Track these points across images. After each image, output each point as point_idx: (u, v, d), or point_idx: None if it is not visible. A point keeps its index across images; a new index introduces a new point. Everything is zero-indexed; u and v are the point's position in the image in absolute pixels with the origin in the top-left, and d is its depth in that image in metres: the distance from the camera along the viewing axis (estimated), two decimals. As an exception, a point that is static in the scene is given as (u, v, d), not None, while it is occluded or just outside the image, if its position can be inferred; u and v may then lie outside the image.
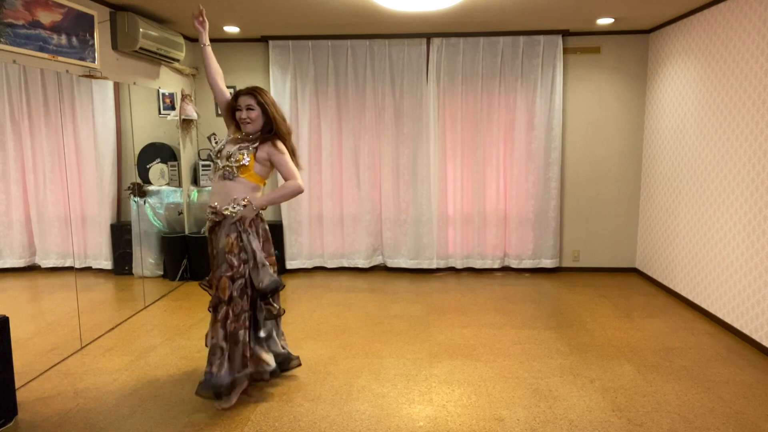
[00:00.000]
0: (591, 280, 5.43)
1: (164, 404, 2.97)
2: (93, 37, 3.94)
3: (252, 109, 2.84)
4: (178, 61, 4.98)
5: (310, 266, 5.79)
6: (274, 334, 3.14)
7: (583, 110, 5.51)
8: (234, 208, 2.80)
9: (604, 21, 4.86)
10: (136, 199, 4.61)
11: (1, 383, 2.70)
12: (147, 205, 4.83)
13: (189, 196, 5.48)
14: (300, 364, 3.32)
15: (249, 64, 5.59)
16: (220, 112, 3.06)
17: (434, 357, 3.57)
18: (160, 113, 5.03)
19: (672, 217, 4.87)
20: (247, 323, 2.90)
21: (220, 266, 2.82)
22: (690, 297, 4.55)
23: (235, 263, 2.82)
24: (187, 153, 5.45)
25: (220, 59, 5.62)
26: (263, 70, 5.59)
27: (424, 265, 5.67)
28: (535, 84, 5.39)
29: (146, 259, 4.83)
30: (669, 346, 3.74)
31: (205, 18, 3.04)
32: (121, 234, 4.42)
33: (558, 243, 5.63)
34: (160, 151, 4.97)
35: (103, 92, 4.16)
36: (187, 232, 5.39)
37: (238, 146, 2.85)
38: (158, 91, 4.95)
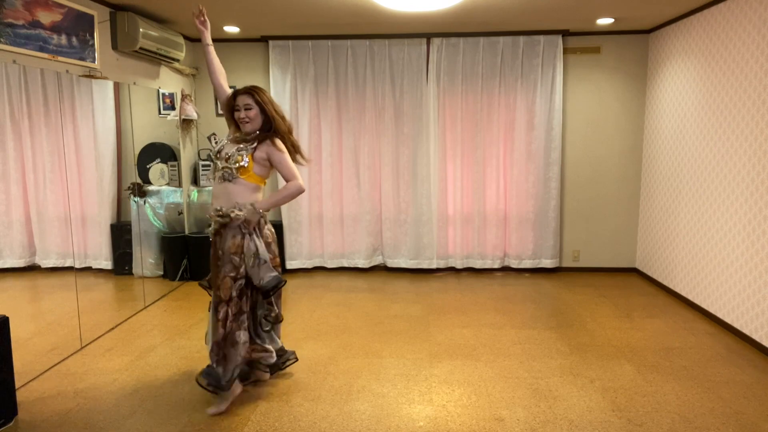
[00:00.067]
0: (591, 280, 5.43)
1: (164, 404, 2.97)
2: (93, 37, 3.94)
3: (250, 109, 2.84)
4: (178, 61, 4.98)
5: (310, 266, 5.79)
6: (273, 332, 3.14)
7: (583, 110, 5.51)
8: (240, 210, 2.81)
9: (604, 21, 4.86)
10: (136, 199, 4.62)
11: (1, 383, 2.70)
12: (147, 205, 4.83)
13: (189, 196, 5.48)
14: (297, 359, 3.33)
15: (249, 64, 5.59)
16: (221, 111, 3.06)
17: (434, 357, 3.57)
18: (160, 113, 5.03)
19: (672, 217, 4.87)
20: (245, 324, 2.91)
21: (224, 267, 2.82)
22: (690, 297, 4.55)
23: (238, 264, 2.83)
24: (187, 153, 5.45)
25: (220, 59, 5.62)
26: (263, 70, 5.59)
27: (424, 265, 5.67)
28: (535, 84, 5.39)
29: (146, 259, 4.83)
30: (669, 346, 3.74)
31: (207, 18, 3.02)
32: (121, 234, 4.42)
33: (558, 243, 5.63)
34: (160, 151, 4.97)
35: (103, 92, 4.16)
36: (187, 232, 5.39)
37: (236, 147, 2.85)
38: (158, 91, 4.96)
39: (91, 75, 3.92)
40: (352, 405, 2.96)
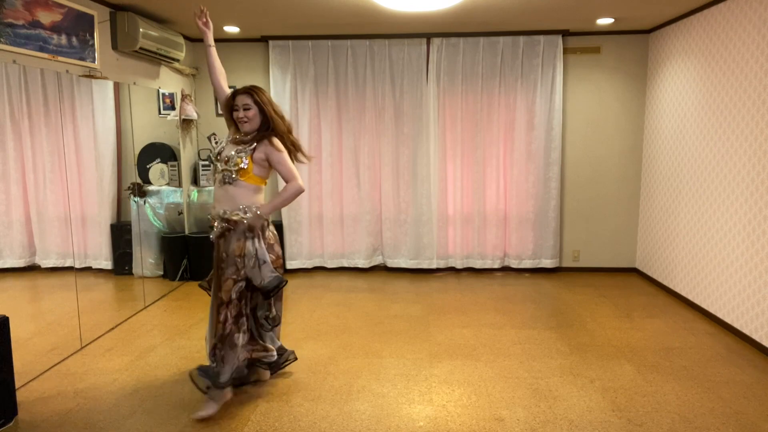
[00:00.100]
0: (591, 280, 5.43)
1: (164, 404, 2.97)
2: (93, 37, 3.94)
3: (248, 109, 2.84)
4: (178, 61, 4.98)
5: (310, 266, 5.79)
6: (272, 332, 3.15)
7: (583, 110, 5.51)
8: (246, 214, 2.82)
9: (604, 21, 4.86)
10: (136, 199, 4.62)
11: (1, 383, 2.70)
12: (147, 205, 4.83)
13: (189, 196, 5.48)
14: (296, 359, 3.33)
15: (249, 64, 5.59)
16: (221, 111, 3.06)
17: (434, 357, 3.57)
18: (160, 113, 5.03)
19: (672, 217, 4.87)
20: (245, 326, 2.89)
21: (227, 269, 2.83)
22: (690, 297, 4.55)
23: (240, 266, 2.83)
24: (187, 153, 5.45)
25: (221, 59, 5.61)
26: (263, 70, 5.59)
27: (424, 265, 5.67)
28: (535, 84, 5.39)
29: (146, 259, 4.83)
30: (669, 346, 3.74)
31: (209, 18, 3.02)
32: (121, 234, 4.42)
33: (558, 243, 5.63)
34: (160, 151, 4.97)
35: (103, 92, 4.16)
36: (187, 232, 5.39)
37: (235, 149, 2.84)
38: (158, 91, 4.96)
39: (91, 75, 3.92)
40: (352, 405, 2.96)
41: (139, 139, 4.62)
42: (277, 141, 2.84)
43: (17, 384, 2.99)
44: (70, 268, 3.72)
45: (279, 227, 5.60)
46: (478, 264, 5.70)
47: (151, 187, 4.84)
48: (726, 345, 3.75)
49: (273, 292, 2.90)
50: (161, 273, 5.14)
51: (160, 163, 4.94)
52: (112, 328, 4.10)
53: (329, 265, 5.78)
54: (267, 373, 3.19)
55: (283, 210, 5.62)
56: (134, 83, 4.55)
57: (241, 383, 3.08)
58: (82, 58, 3.81)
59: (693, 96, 4.51)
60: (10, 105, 3.27)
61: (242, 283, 2.84)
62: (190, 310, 4.52)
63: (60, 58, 3.57)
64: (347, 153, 5.59)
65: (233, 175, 2.81)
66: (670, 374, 3.30)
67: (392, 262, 5.74)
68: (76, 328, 3.73)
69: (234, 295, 2.83)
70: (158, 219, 5.01)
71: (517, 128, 5.47)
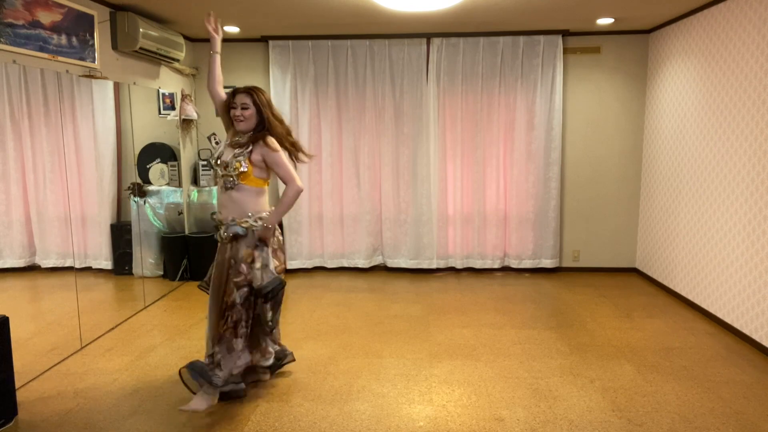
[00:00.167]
0: (591, 280, 5.43)
1: (164, 404, 2.97)
2: (93, 37, 3.94)
3: (246, 108, 2.84)
4: (178, 61, 4.98)
5: (310, 266, 5.79)
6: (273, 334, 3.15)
7: (583, 110, 5.51)
8: (256, 222, 2.84)
9: (604, 21, 4.86)
10: (136, 199, 4.62)
11: (1, 383, 2.70)
12: (147, 205, 4.83)
13: (189, 196, 5.48)
14: (294, 360, 3.33)
15: (249, 64, 5.59)
16: (219, 115, 3.05)
17: (434, 357, 3.57)
18: (160, 113, 5.03)
19: (672, 217, 4.87)
20: (243, 331, 2.87)
21: (234, 274, 2.83)
22: (690, 297, 4.55)
23: (245, 271, 2.83)
24: (187, 153, 5.45)
25: (221, 59, 5.62)
26: (263, 70, 5.59)
27: (424, 265, 5.67)
28: (535, 84, 5.39)
29: (146, 259, 4.83)
30: (669, 346, 3.74)
31: (219, 26, 2.99)
32: (121, 234, 4.42)
33: (558, 243, 5.63)
34: (160, 151, 4.97)
35: (103, 92, 4.16)
36: (187, 232, 5.39)
37: (233, 153, 2.84)
38: (158, 91, 4.96)
39: (91, 75, 3.92)
40: (352, 405, 2.96)
41: (139, 139, 4.62)
42: (271, 140, 2.83)
43: (17, 384, 2.99)
44: (70, 268, 3.72)
45: (279, 227, 5.59)
46: (478, 264, 5.70)
47: (151, 187, 4.84)
48: (726, 345, 3.75)
49: (271, 294, 2.89)
50: (161, 273, 5.14)
51: (160, 163, 4.94)
52: (112, 328, 4.10)
53: (329, 265, 5.78)
54: (267, 375, 3.19)
55: (283, 210, 5.61)
56: (134, 83, 4.55)
57: (235, 397, 2.99)
58: (82, 58, 3.81)
59: (693, 96, 4.51)
60: (10, 105, 3.27)
61: (246, 289, 2.84)
62: (190, 310, 4.52)
63: (60, 58, 3.57)
64: (347, 153, 5.59)
65: (235, 180, 2.81)
66: (670, 374, 3.30)
67: (392, 262, 5.74)
68: (76, 328, 3.73)
69: (238, 300, 2.82)
70: (158, 219, 5.01)
71: (517, 128, 5.47)
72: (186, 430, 2.71)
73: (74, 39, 3.73)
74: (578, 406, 2.93)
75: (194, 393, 2.82)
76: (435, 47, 5.39)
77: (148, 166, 4.81)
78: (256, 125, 2.88)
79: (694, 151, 4.48)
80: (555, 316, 4.34)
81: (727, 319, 4.01)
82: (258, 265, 2.84)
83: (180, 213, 5.32)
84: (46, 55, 3.44)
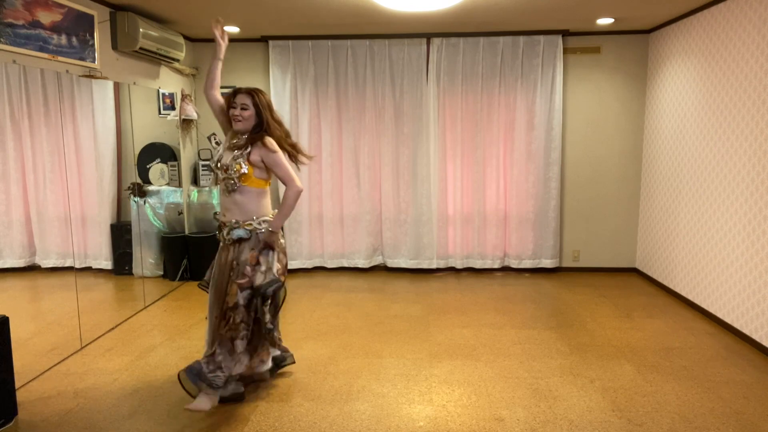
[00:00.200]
0: (591, 280, 5.43)
1: (164, 404, 2.97)
2: (93, 37, 3.94)
3: (246, 109, 2.84)
4: (178, 61, 4.98)
5: (310, 266, 5.79)
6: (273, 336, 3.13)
7: (583, 110, 5.51)
8: (259, 225, 2.85)
9: (604, 21, 4.86)
10: (136, 199, 4.62)
11: (1, 383, 2.70)
12: (147, 205, 4.83)
13: (189, 196, 5.48)
14: (294, 362, 3.33)
15: (249, 64, 5.59)
16: (217, 117, 3.04)
17: (434, 357, 3.57)
18: (160, 113, 5.03)
19: (672, 217, 4.87)
20: (244, 333, 2.85)
21: (237, 276, 2.83)
22: (690, 297, 4.55)
23: (249, 273, 2.83)
24: (187, 153, 5.45)
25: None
26: (263, 70, 5.59)
27: (424, 265, 5.67)
28: (535, 84, 5.39)
29: (146, 259, 4.83)
30: (669, 346, 3.74)
31: (225, 33, 2.99)
32: (121, 234, 4.42)
33: (558, 243, 5.63)
34: (160, 151, 4.97)
35: (103, 92, 4.16)
36: (187, 232, 5.39)
37: (232, 156, 2.84)
38: (158, 91, 4.96)
39: (91, 75, 3.92)
40: (352, 405, 2.96)
41: (139, 139, 4.62)
42: (269, 141, 2.83)
43: (17, 384, 2.99)
44: (70, 268, 3.72)
45: (281, 229, 5.59)
46: (478, 264, 5.70)
47: (151, 187, 4.84)
48: (726, 345, 3.75)
49: (269, 294, 2.87)
50: (161, 273, 5.14)
51: (160, 163, 4.94)
52: (112, 328, 4.10)
53: (329, 265, 5.78)
54: (267, 374, 3.18)
55: (283, 210, 5.61)
56: (134, 83, 4.55)
57: (235, 400, 2.98)
58: (82, 58, 3.81)
59: (693, 96, 4.51)
60: (10, 105, 3.27)
61: (249, 291, 2.84)
62: (190, 310, 4.52)
63: (60, 58, 3.57)
64: (347, 153, 5.59)
65: (236, 183, 2.81)
66: (670, 374, 3.30)
67: (392, 262, 5.74)
68: (76, 328, 3.73)
69: (241, 302, 2.82)
70: (158, 219, 5.01)
71: (517, 128, 5.47)
72: (186, 431, 2.71)
73: (74, 39, 3.73)
74: (578, 406, 2.93)
75: (194, 397, 2.80)
76: (435, 47, 5.39)
77: (148, 166, 4.81)
78: (254, 127, 2.88)
79: (694, 151, 4.48)
80: (555, 316, 4.34)
81: (727, 319, 4.01)
82: (263, 268, 2.85)
83: (180, 213, 5.33)
84: (46, 55, 3.44)
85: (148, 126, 4.86)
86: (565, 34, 5.30)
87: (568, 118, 5.52)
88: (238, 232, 2.84)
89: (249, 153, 2.82)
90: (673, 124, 4.84)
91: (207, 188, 5.52)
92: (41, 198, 3.56)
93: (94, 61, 3.95)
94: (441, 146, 5.54)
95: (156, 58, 4.70)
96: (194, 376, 2.77)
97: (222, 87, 3.06)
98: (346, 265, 5.78)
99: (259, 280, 2.84)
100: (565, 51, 5.38)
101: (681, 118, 4.71)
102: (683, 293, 4.66)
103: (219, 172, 2.87)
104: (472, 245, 5.68)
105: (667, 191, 4.97)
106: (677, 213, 4.77)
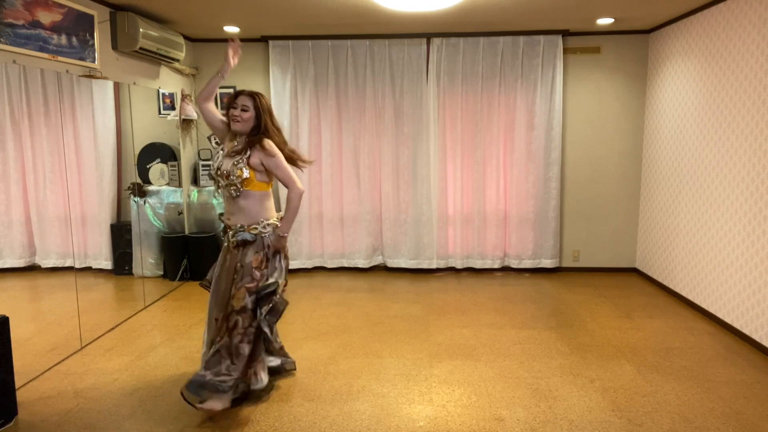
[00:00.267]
0: (591, 280, 5.43)
1: (164, 404, 2.97)
2: (93, 37, 3.94)
3: (246, 110, 2.84)
4: (178, 61, 4.98)
5: (310, 266, 5.79)
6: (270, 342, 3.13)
7: (583, 110, 5.51)
8: (264, 228, 2.86)
9: (604, 21, 4.86)
10: (136, 199, 4.62)
11: (1, 383, 2.70)
12: (147, 205, 4.83)
13: (189, 196, 5.48)
14: (294, 369, 3.32)
15: (249, 64, 5.59)
16: (216, 134, 3.04)
17: (434, 357, 3.57)
18: (160, 113, 5.03)
19: (672, 217, 4.87)
20: (251, 337, 2.87)
21: (243, 278, 2.83)
22: (690, 297, 4.55)
23: (258, 277, 2.84)
24: (187, 153, 5.45)
25: (221, 59, 5.61)
26: (263, 70, 5.59)
27: (424, 265, 5.67)
28: (535, 84, 5.39)
29: (146, 259, 4.83)
30: (669, 346, 3.74)
31: (237, 54, 2.98)
32: (121, 234, 4.42)
33: (558, 243, 5.63)
34: (160, 151, 4.97)
35: (103, 92, 4.16)
36: (187, 232, 5.39)
37: (232, 162, 2.84)
38: (158, 91, 4.96)
39: (91, 75, 3.92)
40: (352, 405, 2.96)
41: (139, 139, 4.62)
42: (268, 143, 2.82)
43: (17, 384, 2.99)
44: (70, 268, 3.72)
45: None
46: (478, 264, 5.70)
47: (151, 187, 4.84)
48: (726, 345, 3.75)
49: (265, 298, 2.87)
50: (161, 273, 5.14)
51: (160, 163, 4.94)
52: (112, 328, 4.10)
53: (329, 265, 5.78)
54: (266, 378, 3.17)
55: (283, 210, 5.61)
56: (134, 83, 4.55)
57: (242, 399, 2.97)
58: (82, 58, 3.81)
59: (693, 96, 4.51)
60: (10, 105, 3.27)
61: (257, 295, 2.85)
62: (190, 310, 4.52)
63: (60, 58, 3.57)
64: (347, 153, 5.59)
65: (239, 188, 2.82)
66: (670, 374, 3.30)
67: (392, 262, 5.74)
68: (76, 328, 3.73)
69: (249, 305, 2.83)
70: (158, 219, 5.01)
71: (517, 128, 5.47)
72: (187, 431, 2.71)
73: (74, 39, 3.73)
74: (578, 406, 2.93)
75: (196, 407, 2.75)
76: (435, 47, 5.39)
77: (148, 166, 4.81)
78: (252, 129, 2.87)
79: (694, 151, 4.48)
80: (555, 316, 4.34)
81: (727, 319, 4.01)
82: (276, 273, 2.88)
83: (180, 213, 5.33)
84: (46, 55, 3.44)
85: (148, 126, 4.86)
86: (565, 34, 5.30)
87: (568, 118, 5.52)
88: (244, 236, 2.85)
89: (249, 157, 2.82)
90: (673, 124, 4.85)
91: (207, 188, 5.51)
92: (41, 198, 3.56)
93: (94, 61, 3.95)
94: (441, 146, 5.54)
95: (156, 58, 4.70)
96: (197, 389, 2.76)
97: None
98: (346, 265, 5.78)
99: (263, 280, 2.86)
100: (565, 51, 5.38)
101: (681, 118, 4.71)
102: (683, 293, 4.66)
103: (220, 180, 2.87)
104: (472, 245, 5.68)
105: (667, 191, 4.97)
106: (677, 213, 4.77)
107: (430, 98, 5.44)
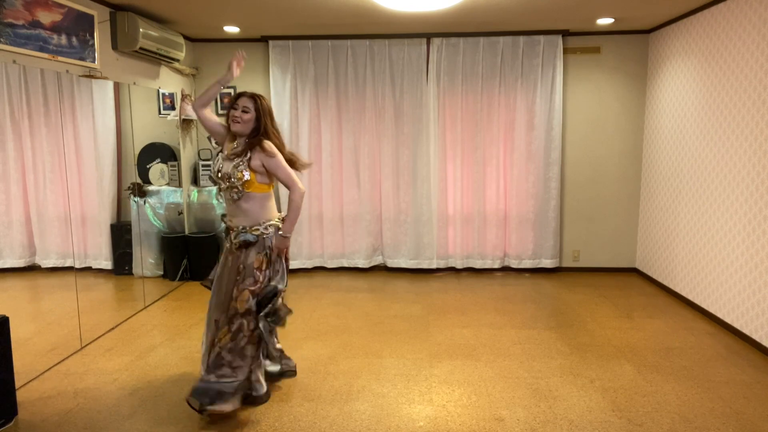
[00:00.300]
0: (591, 280, 5.43)
1: (164, 404, 2.97)
2: (93, 37, 3.94)
3: (247, 112, 2.84)
4: (178, 61, 4.98)
5: (310, 266, 5.79)
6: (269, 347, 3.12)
7: (583, 110, 5.51)
8: (266, 230, 2.86)
9: (604, 21, 4.86)
10: (136, 199, 4.62)
11: (1, 383, 2.71)
12: (147, 205, 4.83)
13: (189, 196, 5.48)
14: (295, 374, 3.29)
15: (249, 64, 5.59)
16: (215, 138, 3.05)
17: (434, 357, 3.57)
18: (160, 113, 5.03)
19: (672, 217, 4.87)
20: (256, 339, 2.88)
21: (245, 280, 2.83)
22: (690, 297, 4.55)
23: (261, 279, 2.84)
24: (187, 153, 5.45)
25: (221, 59, 5.64)
26: (263, 70, 5.59)
27: (424, 265, 5.67)
28: (535, 84, 5.39)
29: (146, 259, 4.83)
30: (669, 346, 3.74)
31: (241, 66, 3.00)
32: (121, 234, 4.42)
33: (558, 243, 5.63)
34: (160, 151, 4.97)
35: (103, 92, 4.16)
36: (187, 232, 5.39)
37: (233, 164, 2.84)
38: (158, 91, 4.96)
39: (91, 75, 3.92)
40: (352, 405, 2.96)
41: (139, 139, 4.62)
42: (267, 145, 2.82)
43: (17, 384, 2.99)
44: (70, 268, 3.72)
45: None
46: (478, 264, 5.70)
47: (151, 187, 4.84)
48: (726, 345, 3.75)
49: (265, 304, 2.87)
50: (161, 273, 5.14)
51: (160, 163, 4.94)
52: (112, 328, 4.10)
53: (329, 265, 5.78)
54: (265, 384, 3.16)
55: (283, 210, 5.61)
56: (134, 83, 4.55)
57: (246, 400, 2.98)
58: (82, 58, 3.81)
59: (693, 96, 4.51)
60: (10, 105, 3.27)
61: (270, 287, 2.86)
62: (190, 310, 4.52)
63: (60, 58, 3.57)
64: (347, 153, 5.59)
65: (241, 190, 2.82)
66: (670, 374, 3.30)
67: (392, 262, 5.74)
68: (76, 328, 3.73)
69: (254, 308, 2.84)
70: (158, 219, 5.01)
71: (517, 128, 5.47)
72: (186, 431, 2.71)
73: (74, 39, 3.73)
74: (578, 406, 2.93)
75: (201, 410, 2.75)
76: (435, 47, 5.39)
77: (148, 166, 4.81)
78: (252, 131, 2.87)
79: (694, 151, 4.48)
80: (555, 316, 4.34)
81: (727, 319, 4.01)
82: (272, 273, 2.88)
83: (180, 213, 5.33)
84: (46, 55, 3.44)
85: (148, 126, 4.86)
86: (565, 34, 5.30)
87: (568, 118, 5.52)
88: (246, 237, 2.85)
89: (249, 159, 2.82)
90: (673, 124, 4.85)
91: (207, 188, 5.51)
92: (41, 198, 3.56)
93: (94, 61, 3.95)
94: (441, 146, 5.54)
95: (156, 58, 4.70)
96: (202, 394, 2.75)
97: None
98: (346, 265, 5.78)
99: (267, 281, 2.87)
100: (565, 51, 5.38)
101: (681, 118, 4.71)
102: (683, 293, 4.66)
103: (221, 183, 2.87)
104: (472, 245, 5.68)
105: (667, 191, 4.97)
106: (677, 213, 4.77)
107: (430, 98, 5.44)
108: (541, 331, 4.01)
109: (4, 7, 3.11)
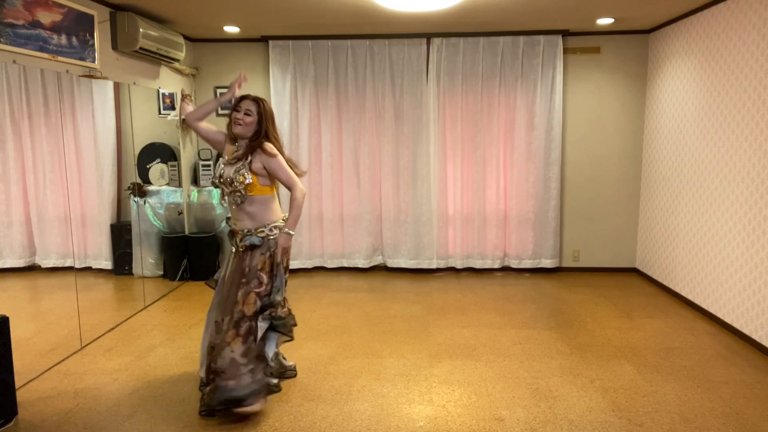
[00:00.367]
0: (591, 280, 5.43)
1: (164, 404, 2.97)
2: (93, 37, 3.94)
3: (249, 115, 2.84)
4: (178, 61, 4.98)
5: (310, 266, 5.79)
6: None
7: (583, 110, 5.51)
8: (271, 231, 2.87)
9: (604, 21, 4.86)
10: (136, 199, 4.62)
11: (1, 383, 2.71)
12: (147, 205, 4.83)
13: (189, 196, 5.48)
14: (295, 375, 3.30)
15: (249, 64, 5.59)
16: (214, 147, 3.06)
17: (434, 357, 3.57)
18: (160, 113, 5.03)
19: (672, 217, 4.87)
20: (264, 341, 2.89)
21: (250, 282, 2.83)
22: (690, 297, 4.55)
23: (266, 280, 2.84)
24: (187, 153, 5.45)
25: (220, 59, 5.64)
26: (263, 70, 5.59)
27: (424, 265, 5.67)
28: (535, 84, 5.39)
29: (146, 259, 4.83)
30: (669, 346, 3.74)
31: (242, 85, 3.02)
32: (121, 234, 4.42)
33: (558, 243, 5.63)
34: (160, 151, 4.97)
35: (103, 92, 4.16)
36: (187, 232, 5.39)
37: (234, 168, 2.84)
38: (158, 91, 4.96)
39: (91, 75, 3.92)
40: (352, 405, 2.96)
41: (139, 139, 4.62)
42: (268, 146, 2.82)
43: (17, 384, 2.99)
44: (70, 268, 3.72)
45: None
46: (478, 264, 5.70)
47: (151, 187, 4.84)
48: (726, 345, 3.75)
49: (268, 303, 2.88)
50: (161, 273, 5.14)
51: (160, 163, 4.94)
52: (112, 328, 4.10)
53: (329, 265, 5.78)
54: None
55: (283, 210, 5.61)
56: (134, 83, 4.55)
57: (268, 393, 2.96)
58: (82, 58, 3.81)
59: (693, 96, 4.51)
60: (10, 105, 3.27)
61: (267, 298, 2.86)
62: (190, 310, 4.52)
63: (60, 58, 3.57)
64: (347, 153, 5.59)
65: (244, 194, 2.82)
66: (670, 374, 3.30)
67: (392, 262, 5.74)
68: (76, 328, 3.73)
69: (260, 310, 2.85)
70: (158, 219, 5.01)
71: (517, 128, 5.47)
72: (187, 430, 2.71)
73: (74, 39, 3.73)
74: (578, 406, 2.93)
75: (236, 409, 2.76)
76: (435, 47, 5.39)
77: (148, 166, 4.81)
78: (252, 135, 2.87)
79: (694, 151, 4.48)
80: (555, 316, 4.34)
81: (727, 319, 4.01)
82: (275, 280, 2.88)
83: (180, 213, 5.33)
84: (46, 55, 3.44)
85: (148, 126, 4.86)
86: (565, 34, 5.30)
87: (568, 118, 5.52)
88: (252, 240, 2.86)
89: (250, 162, 2.82)
90: (673, 124, 4.85)
91: (207, 188, 5.51)
92: (41, 198, 3.56)
93: (94, 61, 3.95)
94: (441, 146, 5.54)
95: (156, 58, 4.70)
96: (220, 402, 2.74)
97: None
98: (346, 265, 5.78)
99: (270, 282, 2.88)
100: (565, 51, 5.38)
101: (681, 118, 4.71)
102: (683, 293, 4.66)
103: (224, 187, 2.88)
104: (472, 245, 5.68)
105: (667, 191, 4.97)
106: (677, 213, 4.77)
107: (430, 98, 5.44)
108: (541, 331, 4.01)
109: (4, 7, 3.11)
